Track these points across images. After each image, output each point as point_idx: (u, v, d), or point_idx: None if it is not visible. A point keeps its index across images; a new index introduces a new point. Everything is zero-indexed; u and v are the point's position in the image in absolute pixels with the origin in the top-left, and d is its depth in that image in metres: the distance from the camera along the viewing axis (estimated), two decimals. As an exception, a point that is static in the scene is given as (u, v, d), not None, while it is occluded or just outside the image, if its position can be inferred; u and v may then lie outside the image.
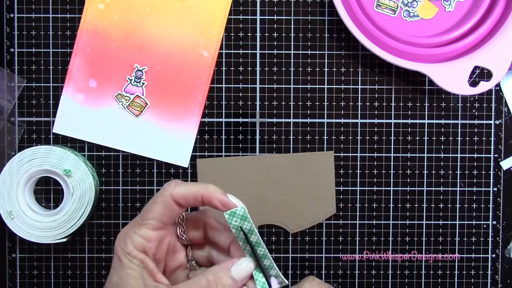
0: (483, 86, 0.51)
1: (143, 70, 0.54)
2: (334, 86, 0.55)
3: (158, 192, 0.40)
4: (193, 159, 0.54)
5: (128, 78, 0.54)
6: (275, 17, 0.54)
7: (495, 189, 0.55)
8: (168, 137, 0.54)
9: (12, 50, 0.54)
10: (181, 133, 0.54)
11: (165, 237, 0.40)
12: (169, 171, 0.55)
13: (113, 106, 0.54)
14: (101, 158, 0.54)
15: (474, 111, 0.55)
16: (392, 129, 0.55)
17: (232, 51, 0.55)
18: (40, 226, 0.51)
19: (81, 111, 0.54)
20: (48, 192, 0.54)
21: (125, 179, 0.55)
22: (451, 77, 0.51)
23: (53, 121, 0.54)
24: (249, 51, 0.55)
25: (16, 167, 0.51)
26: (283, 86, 0.55)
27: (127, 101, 0.54)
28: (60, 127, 0.54)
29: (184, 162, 0.54)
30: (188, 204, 0.39)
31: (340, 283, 0.56)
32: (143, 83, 0.54)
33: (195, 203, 0.39)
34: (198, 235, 0.42)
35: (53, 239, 0.51)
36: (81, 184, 0.51)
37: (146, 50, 0.54)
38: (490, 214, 0.55)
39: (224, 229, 0.41)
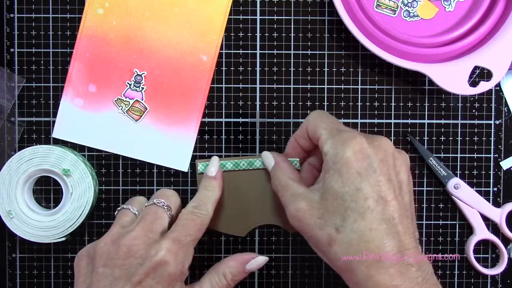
0: (483, 86, 0.51)
1: (142, 75, 0.54)
2: (334, 86, 0.55)
3: None
4: (192, 159, 0.54)
5: (128, 83, 0.54)
6: (275, 17, 0.54)
7: (495, 189, 0.55)
8: (167, 142, 0.54)
9: (12, 50, 0.54)
10: (180, 138, 0.54)
11: None
12: (169, 171, 0.55)
13: (112, 111, 0.54)
14: (101, 158, 0.54)
15: (474, 111, 0.55)
16: (392, 129, 0.55)
17: (232, 51, 0.55)
18: (39, 226, 0.51)
19: (81, 116, 0.54)
20: (47, 191, 0.54)
21: (125, 179, 0.55)
22: (451, 77, 0.51)
23: (53, 121, 0.54)
24: (249, 51, 0.55)
25: (15, 166, 0.51)
26: (283, 86, 0.55)
27: (127, 105, 0.54)
28: (59, 132, 0.54)
29: (184, 167, 0.54)
30: None
31: (340, 283, 0.55)
32: (143, 88, 0.54)
33: None
34: None
35: (52, 238, 0.52)
36: (80, 184, 0.51)
37: (146, 55, 0.54)
38: (491, 214, 0.55)
39: None
